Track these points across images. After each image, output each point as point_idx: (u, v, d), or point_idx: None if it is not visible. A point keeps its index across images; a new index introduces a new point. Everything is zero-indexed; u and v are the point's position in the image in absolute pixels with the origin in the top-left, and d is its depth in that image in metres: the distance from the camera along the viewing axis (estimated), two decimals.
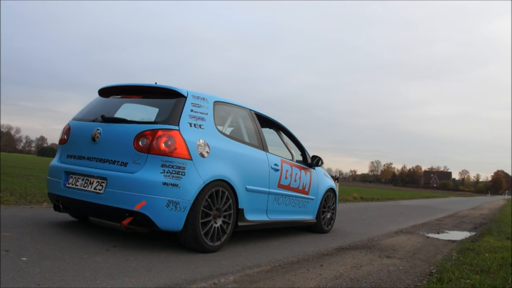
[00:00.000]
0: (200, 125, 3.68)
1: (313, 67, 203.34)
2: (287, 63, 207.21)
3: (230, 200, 3.80)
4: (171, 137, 3.39)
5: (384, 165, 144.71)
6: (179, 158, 3.37)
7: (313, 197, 5.44)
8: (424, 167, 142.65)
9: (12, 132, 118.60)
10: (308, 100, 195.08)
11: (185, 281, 2.74)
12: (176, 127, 3.46)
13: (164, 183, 3.28)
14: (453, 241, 5.99)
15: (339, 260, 3.92)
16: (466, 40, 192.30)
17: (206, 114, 3.82)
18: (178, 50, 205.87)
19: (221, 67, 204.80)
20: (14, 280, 2.35)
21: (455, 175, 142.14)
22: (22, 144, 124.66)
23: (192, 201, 3.40)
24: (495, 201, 34.44)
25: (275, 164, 4.57)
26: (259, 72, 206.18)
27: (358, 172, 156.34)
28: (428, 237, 6.25)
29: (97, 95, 4.29)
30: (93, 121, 3.80)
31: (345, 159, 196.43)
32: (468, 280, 3.22)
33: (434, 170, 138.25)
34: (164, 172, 3.31)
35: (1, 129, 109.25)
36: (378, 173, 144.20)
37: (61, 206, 3.78)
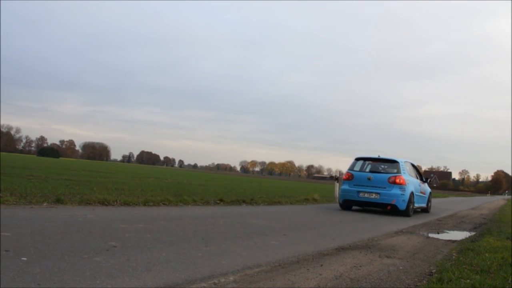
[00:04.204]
0: (404, 172, 9.93)
1: (310, 66, 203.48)
2: (284, 63, 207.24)
3: (412, 198, 9.99)
4: (401, 178, 9.65)
5: None
6: (403, 184, 9.60)
7: (425, 196, 11.75)
8: (424, 167, 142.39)
9: (12, 132, 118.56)
10: (306, 100, 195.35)
11: (185, 281, 2.73)
12: (401, 174, 9.74)
13: (400, 194, 9.53)
14: (453, 241, 5.99)
15: (339, 260, 3.92)
16: (460, 40, 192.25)
17: (405, 167, 10.12)
18: (174, 50, 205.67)
19: (218, 67, 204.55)
20: (14, 280, 2.35)
21: (455, 175, 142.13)
22: (22, 144, 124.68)
23: (408, 198, 9.59)
24: (495, 201, 34.41)
25: (419, 184, 11.06)
26: (256, 72, 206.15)
27: None
28: (428, 237, 6.24)
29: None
30: (365, 172, 10.15)
31: (344, 159, 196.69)
32: (468, 280, 3.21)
33: (434, 170, 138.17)
34: (399, 190, 9.56)
35: (1, 129, 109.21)
36: None
37: (352, 206, 10.26)
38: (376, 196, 9.55)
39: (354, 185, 9.90)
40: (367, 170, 10.26)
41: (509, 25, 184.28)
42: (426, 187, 11.92)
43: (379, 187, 9.62)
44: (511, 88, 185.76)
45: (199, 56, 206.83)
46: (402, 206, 9.50)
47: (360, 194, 9.72)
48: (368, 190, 9.66)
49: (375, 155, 10.61)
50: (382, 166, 10.34)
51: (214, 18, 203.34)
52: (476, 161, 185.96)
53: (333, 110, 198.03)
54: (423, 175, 11.93)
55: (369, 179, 9.74)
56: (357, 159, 10.53)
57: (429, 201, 12.12)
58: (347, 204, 10.25)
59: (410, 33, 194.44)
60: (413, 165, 11.26)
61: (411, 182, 10.10)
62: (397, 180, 9.56)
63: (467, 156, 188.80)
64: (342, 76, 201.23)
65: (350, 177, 10.08)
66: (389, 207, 9.55)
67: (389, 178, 9.65)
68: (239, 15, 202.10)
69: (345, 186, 10.08)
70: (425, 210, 11.85)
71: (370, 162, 10.49)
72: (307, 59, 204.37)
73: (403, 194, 9.52)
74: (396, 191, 9.50)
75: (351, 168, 10.36)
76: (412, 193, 9.92)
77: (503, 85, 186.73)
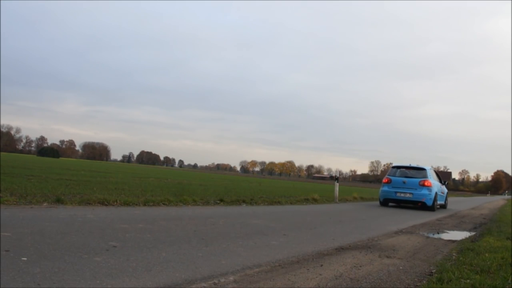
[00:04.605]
0: (430, 177, 12.99)
1: (310, 66, 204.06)
2: (284, 63, 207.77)
3: (436, 197, 12.98)
4: (429, 181, 12.67)
5: (384, 165, 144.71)
6: (430, 186, 12.61)
7: (444, 195, 14.73)
8: None
9: (12, 132, 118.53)
10: (306, 100, 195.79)
11: (185, 281, 2.73)
12: (428, 179, 12.76)
13: (428, 193, 12.53)
14: (453, 241, 5.99)
15: (339, 260, 3.92)
16: (460, 40, 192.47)
17: (430, 173, 13.20)
18: (174, 50, 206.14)
19: (218, 67, 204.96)
20: (14, 280, 2.35)
21: (455, 175, 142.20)
22: (22, 144, 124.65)
23: (433, 197, 12.60)
24: (495, 201, 34.40)
25: (441, 185, 14.19)
26: (256, 71, 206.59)
27: (358, 172, 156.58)
28: (428, 237, 6.24)
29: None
30: (400, 177, 13.09)
31: (344, 159, 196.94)
32: (468, 280, 3.21)
33: (433, 170, 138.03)
34: (427, 191, 12.55)
35: (1, 129, 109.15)
36: (378, 173, 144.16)
37: (389, 203, 13.36)
38: (410, 196, 12.63)
39: (392, 187, 13.04)
40: (402, 175, 13.20)
41: (508, 25, 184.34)
42: (444, 188, 15.09)
43: (412, 189, 12.66)
44: (511, 88, 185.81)
45: (199, 56, 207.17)
46: (429, 203, 12.54)
47: (397, 194, 12.86)
48: (404, 191, 12.73)
49: (407, 164, 13.66)
50: (413, 172, 13.18)
51: (214, 18, 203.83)
52: (476, 161, 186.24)
53: (333, 110, 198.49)
54: (444, 180, 15.35)
55: (404, 182, 12.86)
56: (393, 167, 13.94)
57: (446, 199, 15.35)
58: (386, 202, 13.37)
59: (410, 33, 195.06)
60: (435, 171, 14.61)
61: (435, 185, 13.12)
62: (426, 183, 12.61)
63: (467, 156, 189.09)
64: (342, 76, 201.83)
65: (389, 181, 13.20)
66: (419, 204, 12.65)
67: (420, 181, 12.66)
68: (239, 15, 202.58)
69: (385, 188, 13.20)
70: (443, 206, 14.92)
71: (403, 169, 13.47)
72: (307, 59, 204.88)
73: (430, 194, 12.55)
74: (425, 191, 12.55)
75: (389, 174, 13.57)
76: (436, 193, 12.95)
77: (503, 85, 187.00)
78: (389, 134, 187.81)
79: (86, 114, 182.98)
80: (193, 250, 3.70)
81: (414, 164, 13.44)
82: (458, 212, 13.84)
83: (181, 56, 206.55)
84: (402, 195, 12.76)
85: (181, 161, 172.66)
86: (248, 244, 4.28)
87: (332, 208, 10.90)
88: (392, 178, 13.18)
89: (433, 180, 13.00)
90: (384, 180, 13.48)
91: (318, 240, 5.05)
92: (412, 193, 12.58)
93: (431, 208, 12.54)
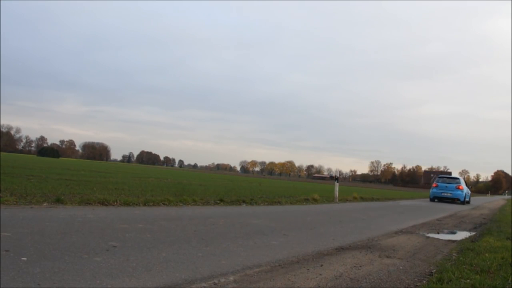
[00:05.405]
0: (462, 183, 21.20)
1: (310, 66, 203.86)
2: (284, 63, 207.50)
3: (466, 196, 21.11)
4: (461, 186, 20.84)
5: (384, 165, 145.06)
6: (462, 189, 20.64)
7: (469, 194, 22.73)
8: (424, 167, 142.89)
9: (12, 132, 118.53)
10: (305, 99, 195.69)
11: (185, 281, 2.73)
12: (461, 184, 20.94)
13: (461, 193, 20.41)
14: (453, 241, 5.98)
15: (339, 260, 3.92)
16: (459, 40, 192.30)
17: (462, 181, 21.66)
18: (174, 50, 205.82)
19: (217, 67, 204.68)
20: (14, 280, 2.35)
21: (455, 175, 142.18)
22: (22, 144, 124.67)
23: (464, 196, 20.62)
24: (495, 201, 34.42)
25: (467, 188, 22.41)
26: (256, 72, 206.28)
27: (358, 172, 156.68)
28: (428, 237, 6.24)
29: None
30: (443, 183, 21.32)
31: (344, 159, 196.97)
32: (468, 280, 3.21)
33: (434, 170, 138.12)
34: (461, 192, 20.50)
35: (1, 129, 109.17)
36: (378, 173, 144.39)
37: (436, 199, 21.07)
38: (450, 195, 20.12)
39: (438, 189, 20.66)
40: (444, 182, 20.88)
41: (508, 25, 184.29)
42: (469, 190, 22.70)
43: (451, 190, 20.19)
44: (511, 88, 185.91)
45: (199, 56, 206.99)
46: (462, 200, 19.94)
47: (442, 194, 20.39)
48: (446, 192, 20.30)
49: (447, 175, 24.21)
50: (451, 180, 21.14)
51: (214, 18, 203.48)
52: (476, 161, 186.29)
53: (332, 110, 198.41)
54: (467, 185, 22.99)
55: (446, 186, 20.40)
56: (438, 177, 21.96)
57: (469, 197, 22.77)
58: (434, 199, 20.80)
59: (409, 33, 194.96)
60: (463, 179, 22.15)
61: (465, 188, 20.56)
62: (460, 187, 20.20)
63: (467, 156, 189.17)
64: (342, 76, 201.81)
65: (436, 186, 20.88)
66: (456, 200, 19.96)
67: (456, 186, 20.27)
68: (239, 15, 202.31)
69: (434, 190, 20.90)
70: (468, 202, 21.79)
71: (445, 178, 21.66)
72: (307, 59, 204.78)
73: (462, 194, 20.03)
74: (459, 192, 20.08)
75: (436, 181, 21.37)
76: (465, 193, 20.40)
77: (503, 85, 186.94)
78: (389, 134, 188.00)
79: (86, 114, 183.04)
80: (193, 250, 3.70)
81: (451, 175, 22.73)
82: (458, 212, 13.83)
83: (181, 56, 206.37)
84: (445, 194, 20.33)
85: (181, 161, 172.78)
86: (248, 244, 4.28)
87: (332, 208, 10.90)
88: (438, 183, 20.98)
89: (463, 185, 20.64)
90: (433, 185, 21.34)
91: (318, 240, 5.05)
92: (451, 193, 20.21)
93: (463, 203, 19.91)
